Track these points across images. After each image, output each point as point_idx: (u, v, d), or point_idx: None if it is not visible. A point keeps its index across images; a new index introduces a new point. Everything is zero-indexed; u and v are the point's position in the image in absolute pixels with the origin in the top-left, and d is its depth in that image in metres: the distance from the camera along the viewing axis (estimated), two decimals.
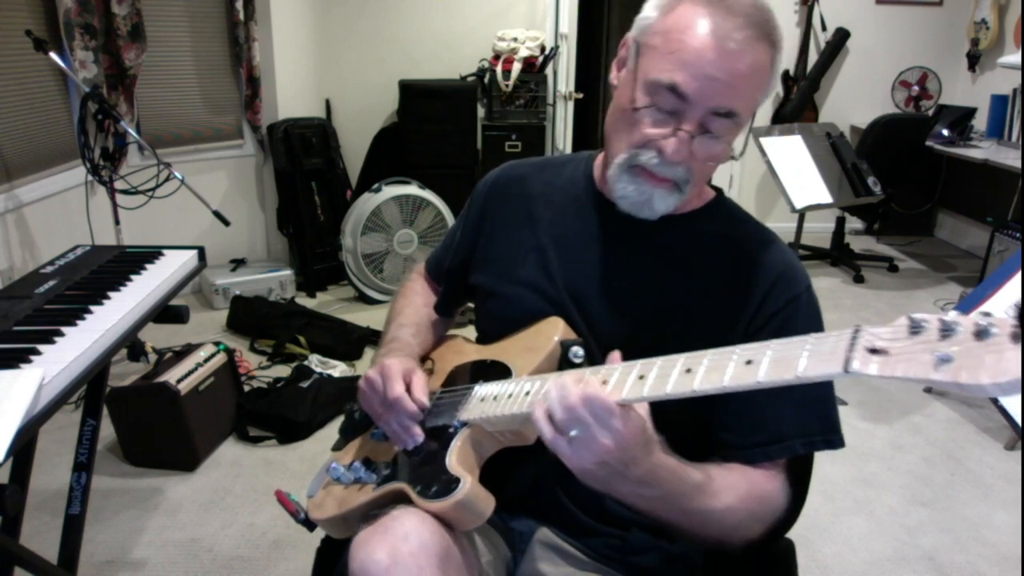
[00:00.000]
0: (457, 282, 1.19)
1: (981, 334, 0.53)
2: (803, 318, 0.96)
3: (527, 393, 0.86)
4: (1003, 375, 0.51)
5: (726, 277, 0.97)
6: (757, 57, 0.86)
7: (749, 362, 0.67)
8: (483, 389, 0.94)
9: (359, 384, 1.02)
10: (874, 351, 0.58)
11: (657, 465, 0.79)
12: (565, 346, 0.94)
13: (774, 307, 0.95)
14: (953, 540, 2.11)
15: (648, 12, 0.91)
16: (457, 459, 0.87)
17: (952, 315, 0.56)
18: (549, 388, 0.77)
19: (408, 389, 0.97)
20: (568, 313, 1.00)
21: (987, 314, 0.55)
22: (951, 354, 0.54)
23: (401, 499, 0.89)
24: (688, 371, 0.71)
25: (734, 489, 0.88)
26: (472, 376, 1.01)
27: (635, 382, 0.74)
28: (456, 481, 0.84)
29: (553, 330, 0.97)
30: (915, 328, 0.57)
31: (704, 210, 1.03)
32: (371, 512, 0.90)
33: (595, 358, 0.97)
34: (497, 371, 0.98)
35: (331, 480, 1.02)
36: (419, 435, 0.94)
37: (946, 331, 0.55)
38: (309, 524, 1.05)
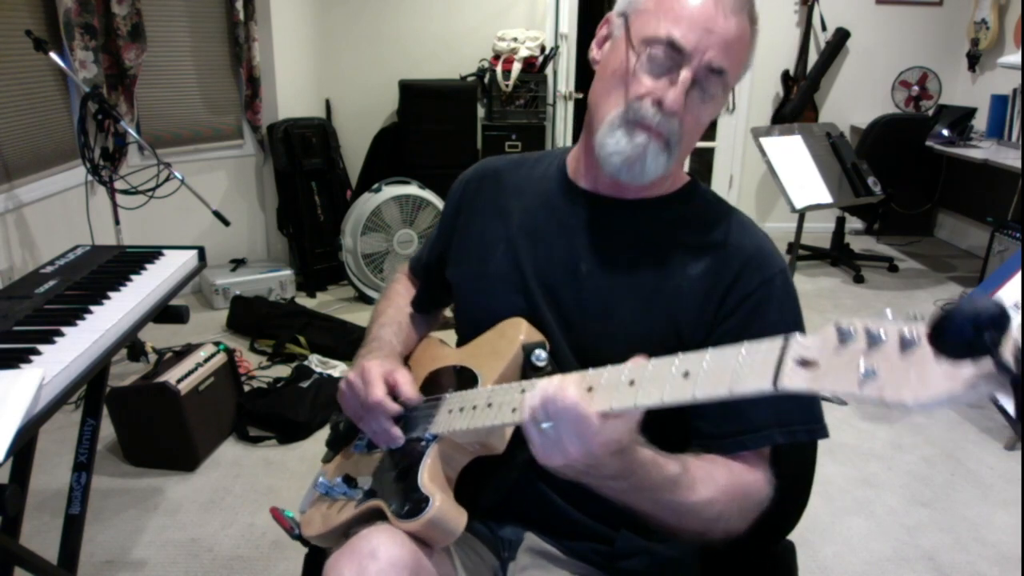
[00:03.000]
0: (433, 277, 1.19)
1: (906, 345, 0.51)
2: (777, 301, 0.94)
3: (489, 406, 0.85)
4: (924, 393, 0.49)
5: (698, 261, 0.96)
6: (743, 24, 0.90)
7: (687, 374, 0.66)
8: (451, 400, 0.93)
9: (339, 386, 1.01)
10: (804, 363, 0.56)
11: (630, 462, 0.76)
12: (527, 350, 0.94)
13: (747, 289, 0.93)
14: (953, 540, 2.11)
15: None
16: (428, 476, 0.87)
17: (880, 323, 0.53)
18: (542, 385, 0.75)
19: (394, 389, 0.96)
20: (537, 304, 0.99)
21: (916, 318, 0.52)
22: (876, 369, 0.52)
23: (380, 516, 0.89)
24: (631, 383, 0.70)
25: (713, 481, 0.85)
26: (443, 383, 1.00)
27: (584, 394, 0.73)
28: (426, 500, 0.84)
29: (516, 331, 0.96)
30: (843, 338, 0.55)
31: (676, 195, 1.02)
32: (351, 530, 0.90)
33: (561, 357, 0.96)
34: (465, 378, 0.97)
35: (319, 495, 1.02)
36: (400, 437, 0.94)
37: (873, 341, 0.53)
38: (303, 540, 1.04)
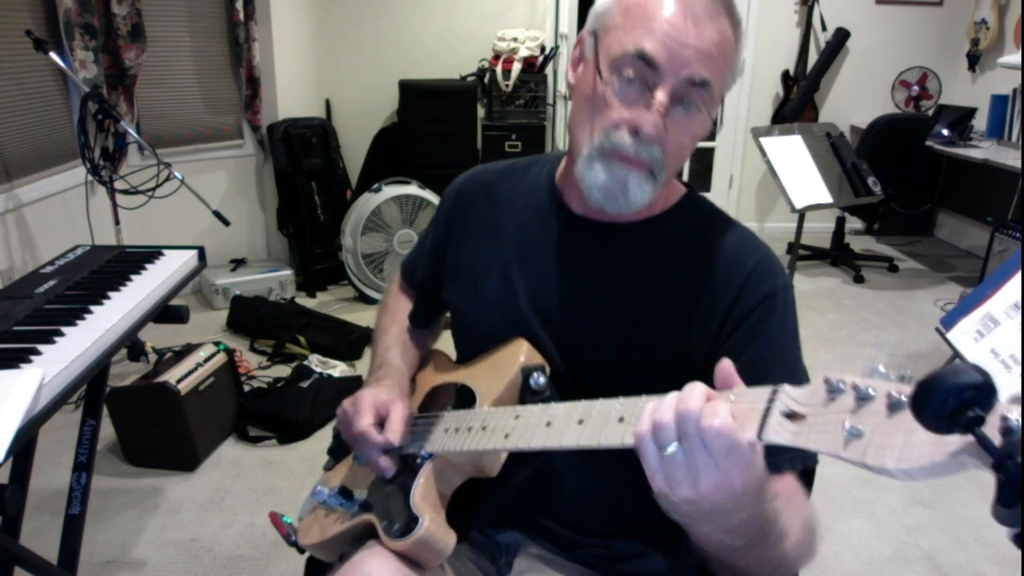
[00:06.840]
0: (430, 295, 1.16)
1: (893, 407, 0.50)
2: (778, 319, 0.88)
3: (484, 429, 0.84)
4: (907, 460, 0.47)
5: (697, 279, 0.90)
6: (723, 28, 0.82)
7: None
8: (449, 418, 0.93)
9: (337, 412, 1.00)
10: (791, 416, 0.55)
11: (758, 514, 0.67)
12: (526, 373, 0.91)
13: (748, 305, 0.88)
14: (953, 540, 2.11)
15: (603, 0, 0.87)
16: (421, 495, 0.87)
17: (870, 380, 0.52)
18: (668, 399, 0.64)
19: (385, 421, 0.95)
20: (532, 329, 0.95)
21: (907, 378, 0.50)
22: (862, 429, 0.50)
23: (373, 530, 0.89)
24: (620, 420, 0.68)
25: (793, 521, 0.75)
26: (443, 400, 1.00)
27: (575, 426, 0.72)
28: (415, 520, 0.84)
29: (517, 352, 0.94)
30: (832, 392, 0.53)
31: (672, 210, 0.96)
32: (344, 549, 0.90)
33: (561, 381, 0.93)
34: (464, 396, 0.96)
35: (317, 504, 1.03)
36: (387, 469, 0.92)
37: (862, 399, 0.51)
38: (299, 547, 1.05)
